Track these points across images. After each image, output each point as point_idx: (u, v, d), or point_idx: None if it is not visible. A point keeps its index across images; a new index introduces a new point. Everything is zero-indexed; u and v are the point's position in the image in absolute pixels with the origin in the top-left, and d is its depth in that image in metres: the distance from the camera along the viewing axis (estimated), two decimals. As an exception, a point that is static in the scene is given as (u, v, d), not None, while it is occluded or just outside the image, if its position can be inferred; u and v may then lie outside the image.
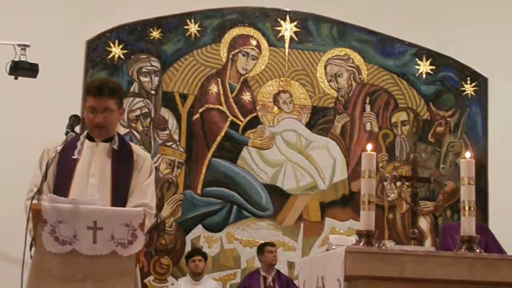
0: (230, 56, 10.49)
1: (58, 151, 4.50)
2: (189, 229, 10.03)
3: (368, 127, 10.68)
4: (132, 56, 10.12)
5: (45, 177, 4.40)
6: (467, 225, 4.31)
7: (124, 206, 4.53)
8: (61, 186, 4.55)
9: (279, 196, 10.34)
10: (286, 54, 10.61)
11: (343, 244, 4.50)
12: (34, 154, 4.80)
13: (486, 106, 10.89)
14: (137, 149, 4.88)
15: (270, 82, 10.56)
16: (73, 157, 4.65)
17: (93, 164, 4.65)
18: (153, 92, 10.16)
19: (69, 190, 4.54)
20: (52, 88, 9.26)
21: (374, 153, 4.38)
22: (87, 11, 9.81)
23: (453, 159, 10.69)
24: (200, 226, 10.06)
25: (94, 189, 4.56)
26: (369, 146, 4.41)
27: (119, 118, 4.89)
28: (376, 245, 4.16)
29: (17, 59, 8.54)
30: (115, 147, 4.74)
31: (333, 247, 4.91)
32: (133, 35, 10.16)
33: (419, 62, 10.88)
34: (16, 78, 8.70)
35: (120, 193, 4.60)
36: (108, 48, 10.03)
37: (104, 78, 8.94)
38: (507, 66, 10.77)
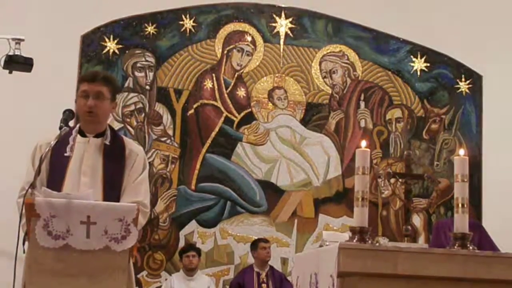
0: (225, 52, 10.48)
1: (52, 146, 4.48)
2: (183, 224, 10.03)
3: (362, 124, 10.68)
4: (127, 51, 10.11)
5: (38, 171, 4.38)
6: (460, 222, 4.31)
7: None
8: (54, 185, 4.51)
9: (273, 192, 10.34)
10: (281, 50, 10.61)
11: (337, 241, 4.50)
12: (28, 149, 4.78)
13: (481, 104, 10.91)
14: (129, 143, 4.82)
15: (264, 78, 10.55)
16: (65, 154, 4.61)
17: (84, 162, 4.61)
18: (147, 87, 10.16)
19: (62, 189, 4.50)
20: (47, 82, 9.25)
21: (368, 149, 4.38)
22: (82, 6, 9.79)
23: (447, 156, 10.70)
24: (194, 221, 10.06)
25: (86, 188, 4.53)
26: (363, 143, 4.40)
27: (111, 111, 4.85)
28: (370, 241, 4.17)
29: (11, 53, 8.51)
30: (107, 142, 4.70)
31: (327, 243, 4.90)
32: (128, 30, 10.14)
33: (414, 59, 10.89)
34: (10, 72, 8.68)
35: (112, 191, 4.56)
36: (103, 43, 10.01)
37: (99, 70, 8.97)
38: (502, 64, 10.78)
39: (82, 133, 4.72)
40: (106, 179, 4.59)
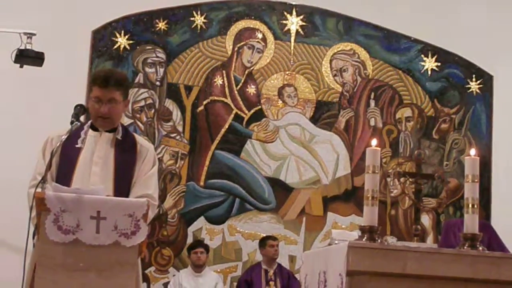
0: (236, 48, 10.48)
1: (63, 140, 4.50)
2: (191, 221, 10.04)
3: (372, 123, 10.67)
4: (138, 47, 10.11)
5: (49, 165, 4.40)
6: (470, 222, 4.31)
7: (126, 196, 4.53)
8: (64, 175, 4.55)
9: (281, 189, 10.34)
10: (292, 47, 10.60)
11: (346, 239, 4.50)
12: (38, 143, 4.80)
13: (491, 104, 10.87)
14: (140, 140, 4.88)
15: (275, 75, 10.55)
16: (77, 146, 4.66)
17: (96, 153, 4.66)
18: (158, 83, 10.16)
19: (72, 179, 4.54)
20: (58, 77, 9.27)
21: (379, 148, 4.38)
22: (93, 1, 9.81)
23: (456, 156, 10.68)
24: (202, 218, 10.07)
25: (97, 177, 4.57)
26: (374, 142, 4.40)
27: (124, 109, 4.90)
28: (379, 241, 4.16)
29: (23, 47, 8.53)
30: (119, 137, 4.75)
31: (336, 241, 4.91)
32: (139, 25, 10.15)
33: (425, 58, 10.87)
34: (21, 67, 8.71)
35: (122, 182, 4.61)
36: (113, 38, 10.02)
37: (111, 69, 8.94)
38: (513, 64, 10.77)
39: (94, 127, 4.76)
40: (117, 170, 4.63)
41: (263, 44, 10.56)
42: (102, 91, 4.65)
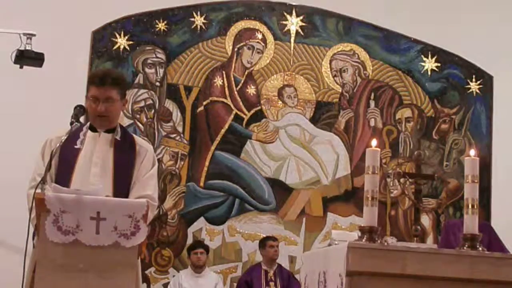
0: (236, 49, 10.48)
1: (63, 141, 4.51)
2: (191, 221, 10.03)
3: (372, 123, 10.67)
4: (138, 48, 10.11)
5: (49, 166, 4.40)
6: (470, 223, 4.31)
7: (126, 196, 4.54)
8: (63, 176, 4.56)
9: (281, 190, 10.34)
10: (292, 48, 10.60)
11: (346, 240, 4.50)
12: (38, 144, 4.80)
13: (491, 104, 10.88)
14: (139, 140, 4.89)
15: (274, 76, 10.55)
16: (76, 147, 4.66)
17: (95, 154, 4.67)
18: (157, 83, 10.16)
19: (71, 180, 4.55)
20: (57, 77, 9.26)
21: (379, 149, 4.38)
22: (93, 2, 9.81)
23: (456, 156, 10.68)
24: (202, 218, 10.07)
25: (96, 178, 4.58)
26: (374, 142, 4.40)
27: (122, 109, 4.89)
28: (379, 241, 4.16)
29: (22, 48, 8.54)
30: (118, 137, 4.76)
31: (336, 242, 4.91)
32: (139, 26, 10.15)
33: (425, 59, 10.87)
34: (21, 67, 8.71)
35: (121, 183, 4.61)
36: (113, 39, 10.02)
37: (108, 68, 8.97)
38: (513, 65, 10.76)
39: (92, 128, 4.76)
40: (116, 171, 4.63)
41: (263, 44, 10.56)
42: (98, 89, 4.67)
